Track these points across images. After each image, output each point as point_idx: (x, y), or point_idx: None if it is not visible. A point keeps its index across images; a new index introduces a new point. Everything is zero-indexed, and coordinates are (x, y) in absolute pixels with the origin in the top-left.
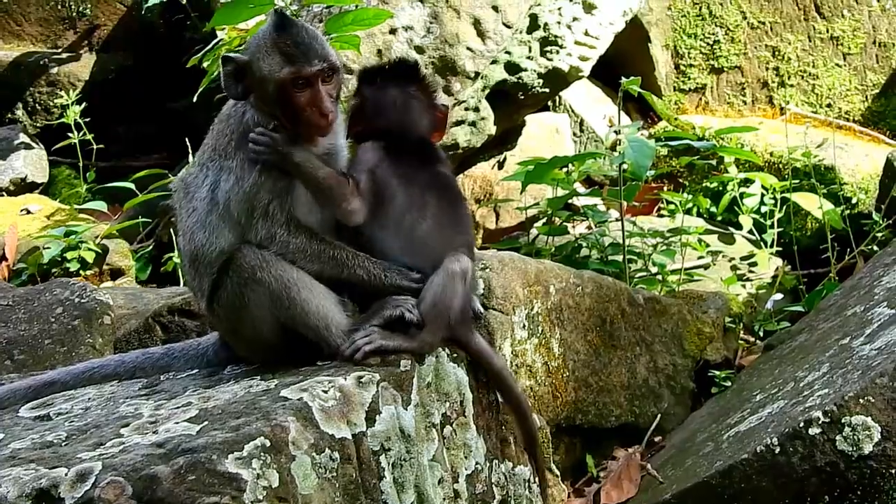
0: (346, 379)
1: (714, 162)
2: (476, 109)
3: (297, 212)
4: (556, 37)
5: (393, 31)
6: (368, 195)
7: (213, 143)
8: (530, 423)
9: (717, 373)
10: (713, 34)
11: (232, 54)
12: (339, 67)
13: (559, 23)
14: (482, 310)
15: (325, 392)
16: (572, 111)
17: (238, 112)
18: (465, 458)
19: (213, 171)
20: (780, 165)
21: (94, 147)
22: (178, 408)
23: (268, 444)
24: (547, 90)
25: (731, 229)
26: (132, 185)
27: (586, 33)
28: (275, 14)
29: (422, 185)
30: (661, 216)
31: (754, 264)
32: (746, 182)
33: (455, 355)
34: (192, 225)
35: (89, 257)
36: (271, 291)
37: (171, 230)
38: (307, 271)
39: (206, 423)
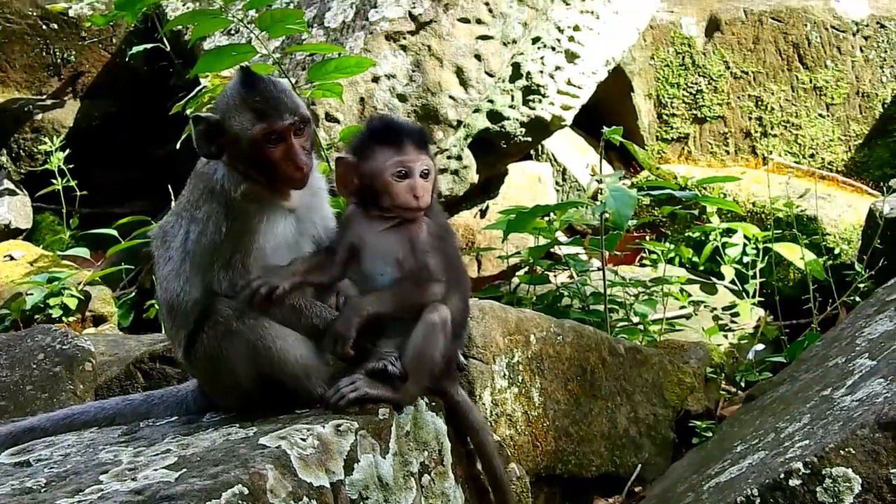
0: (324, 427)
1: (696, 212)
2: (458, 158)
3: (260, 261)
4: (538, 86)
5: (376, 80)
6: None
7: (187, 195)
8: (502, 480)
9: (698, 423)
10: (696, 84)
11: (202, 114)
12: (310, 119)
13: (542, 72)
14: (465, 361)
15: (304, 440)
16: (555, 160)
17: (211, 168)
18: None
19: (185, 220)
20: (763, 215)
21: (78, 193)
22: (157, 455)
23: (246, 491)
24: (529, 139)
25: (713, 279)
26: (115, 232)
27: (569, 82)
28: (240, 71)
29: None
30: (643, 266)
31: (736, 314)
32: (729, 232)
33: (433, 404)
34: (167, 274)
35: (72, 304)
36: (248, 342)
37: (153, 276)
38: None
39: (184, 470)
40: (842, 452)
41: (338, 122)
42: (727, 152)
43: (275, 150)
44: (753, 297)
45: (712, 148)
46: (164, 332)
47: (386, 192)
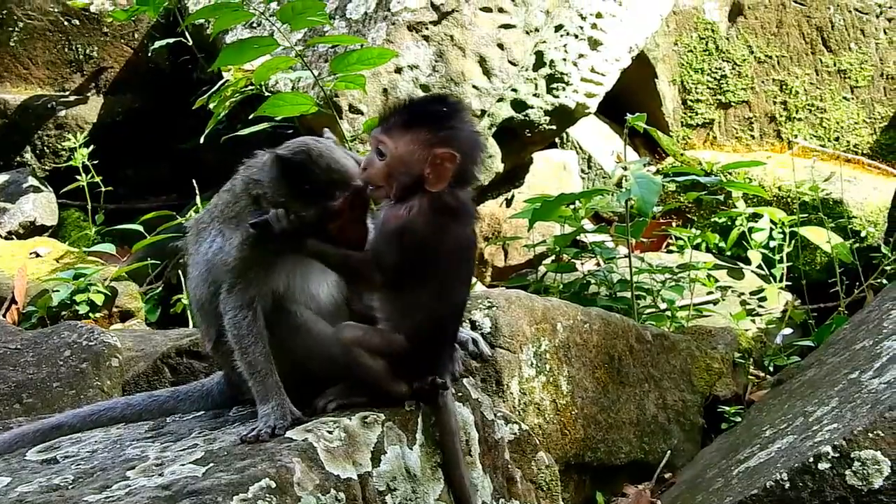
0: (351, 419)
1: (722, 197)
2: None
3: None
4: (562, 73)
5: (399, 70)
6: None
7: (227, 197)
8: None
9: (727, 408)
10: (720, 69)
11: None
12: None
13: (565, 59)
14: (489, 352)
15: (331, 433)
16: (580, 148)
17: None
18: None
19: (218, 221)
20: (789, 200)
21: (103, 189)
22: (183, 450)
23: (273, 485)
24: (554, 127)
25: (740, 264)
26: (140, 227)
27: (592, 70)
28: None
29: None
30: (669, 252)
31: (763, 299)
32: (755, 217)
33: (460, 395)
34: (196, 276)
35: (98, 300)
36: (277, 334)
37: (180, 272)
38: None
39: (211, 464)
40: (870, 435)
41: (361, 113)
42: (752, 137)
43: None
44: (780, 281)
45: (737, 133)
46: (194, 324)
47: None
